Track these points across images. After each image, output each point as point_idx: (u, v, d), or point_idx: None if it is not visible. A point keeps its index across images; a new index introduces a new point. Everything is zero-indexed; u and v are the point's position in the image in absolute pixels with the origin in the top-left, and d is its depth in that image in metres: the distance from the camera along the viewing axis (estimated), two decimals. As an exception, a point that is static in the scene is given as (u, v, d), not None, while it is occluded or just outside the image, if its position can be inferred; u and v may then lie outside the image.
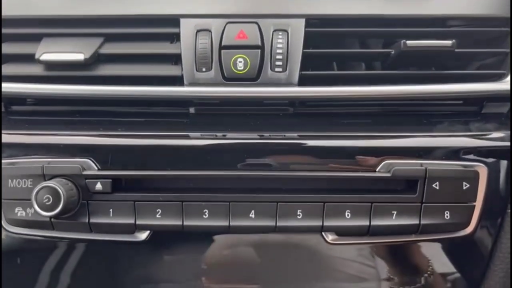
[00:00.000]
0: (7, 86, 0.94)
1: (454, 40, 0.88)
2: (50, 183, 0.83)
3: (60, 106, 1.00)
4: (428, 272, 0.93)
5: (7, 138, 0.91)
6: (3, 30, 0.94)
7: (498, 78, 0.94)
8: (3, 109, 1.00)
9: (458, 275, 0.94)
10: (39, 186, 0.83)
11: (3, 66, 0.95)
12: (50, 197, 0.83)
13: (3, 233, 0.92)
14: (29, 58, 0.92)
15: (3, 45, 0.95)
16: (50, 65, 0.93)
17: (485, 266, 0.94)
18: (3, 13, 0.93)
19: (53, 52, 0.92)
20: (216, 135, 0.90)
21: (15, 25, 0.95)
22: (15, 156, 0.90)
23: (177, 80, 0.94)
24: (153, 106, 0.99)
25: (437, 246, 0.92)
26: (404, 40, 0.88)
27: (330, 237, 0.90)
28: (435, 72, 0.95)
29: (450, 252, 0.93)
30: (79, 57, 0.91)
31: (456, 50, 0.89)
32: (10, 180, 0.88)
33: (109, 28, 0.94)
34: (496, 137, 0.91)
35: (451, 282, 0.95)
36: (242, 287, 0.94)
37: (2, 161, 0.90)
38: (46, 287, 0.96)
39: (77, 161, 0.88)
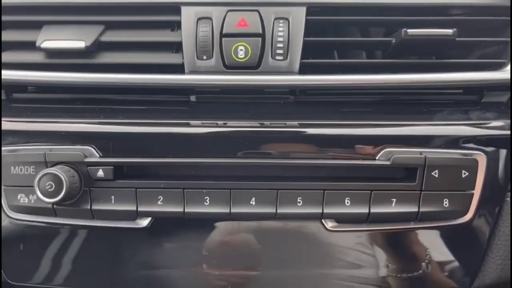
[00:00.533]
0: (8, 74, 0.94)
1: (455, 29, 0.88)
2: (53, 170, 0.84)
3: (61, 94, 1.00)
4: (427, 259, 0.94)
5: (9, 125, 0.92)
6: (4, 18, 0.94)
7: (498, 67, 0.94)
8: (4, 97, 1.00)
9: (456, 262, 0.95)
10: (41, 173, 0.84)
11: (4, 54, 0.95)
12: (53, 184, 0.84)
13: (6, 219, 0.93)
14: (30, 46, 0.92)
15: (4, 32, 0.95)
16: (51, 52, 0.93)
17: (483, 254, 0.95)
18: (3, 0, 0.93)
19: (54, 39, 0.92)
20: (217, 123, 0.91)
21: (16, 12, 0.95)
22: (17, 143, 0.91)
23: (178, 68, 0.94)
24: (154, 94, 0.99)
25: (436, 233, 0.93)
26: (405, 29, 0.88)
27: (329, 224, 0.91)
28: (436, 61, 0.95)
29: (448, 240, 0.94)
30: (80, 44, 0.91)
31: (457, 39, 0.89)
32: (12, 167, 0.89)
33: (110, 15, 0.94)
34: (495, 126, 0.92)
35: (449, 269, 0.96)
36: (243, 273, 0.95)
37: (4, 148, 0.90)
38: (49, 273, 0.97)
39: (79, 148, 0.89)
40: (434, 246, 0.94)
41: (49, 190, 0.84)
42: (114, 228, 0.91)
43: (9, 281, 0.98)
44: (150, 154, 0.89)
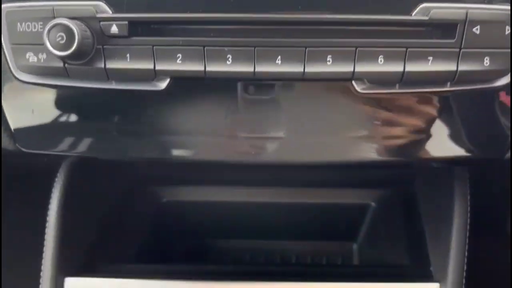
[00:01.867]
0: None
1: None
2: (63, 21, 0.77)
3: None
4: (462, 125, 0.89)
5: (12, -20, 0.84)
6: None
7: None
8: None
9: (493, 128, 0.90)
10: (51, 23, 0.77)
11: None
12: (64, 35, 0.77)
13: (14, 81, 0.87)
14: None
15: None
16: None
17: None
18: None
19: None
20: None
21: None
22: None
23: None
24: None
25: (473, 97, 0.87)
26: None
27: (360, 86, 0.85)
28: None
29: (486, 104, 0.88)
30: None
31: None
32: (19, 24, 0.82)
33: None
34: None
35: (486, 135, 0.91)
36: (265, 136, 0.90)
37: (9, 4, 0.83)
38: (61, 140, 0.92)
39: (89, 4, 0.82)
40: (471, 111, 0.88)
41: (60, 42, 0.77)
42: (130, 91, 0.86)
43: (21, 148, 0.93)
44: (167, 9, 0.82)
